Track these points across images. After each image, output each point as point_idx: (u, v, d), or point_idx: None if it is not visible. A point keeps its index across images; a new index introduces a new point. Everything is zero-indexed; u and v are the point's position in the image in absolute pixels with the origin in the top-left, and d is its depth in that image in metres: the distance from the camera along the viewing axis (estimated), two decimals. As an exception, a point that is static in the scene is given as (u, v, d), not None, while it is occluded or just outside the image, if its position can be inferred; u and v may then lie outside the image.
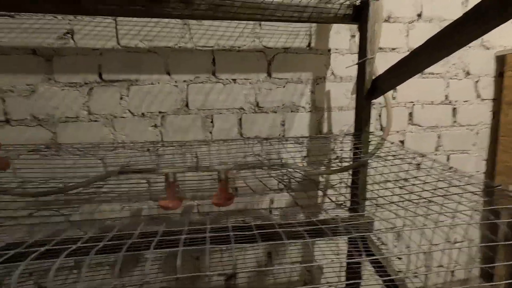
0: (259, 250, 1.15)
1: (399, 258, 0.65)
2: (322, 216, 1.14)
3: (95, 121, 0.98)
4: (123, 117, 0.99)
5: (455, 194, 0.57)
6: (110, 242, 0.65)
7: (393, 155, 0.83)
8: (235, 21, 0.99)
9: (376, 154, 0.86)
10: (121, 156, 0.98)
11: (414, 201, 0.65)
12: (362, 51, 0.90)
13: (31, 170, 0.91)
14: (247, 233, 0.69)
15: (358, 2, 0.90)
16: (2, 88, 0.90)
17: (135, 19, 0.93)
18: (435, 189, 0.69)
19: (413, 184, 0.68)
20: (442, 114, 1.20)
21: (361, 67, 0.90)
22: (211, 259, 1.09)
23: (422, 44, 0.67)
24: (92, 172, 0.95)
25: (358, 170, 0.93)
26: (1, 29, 0.87)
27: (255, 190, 1.10)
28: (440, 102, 1.19)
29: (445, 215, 0.60)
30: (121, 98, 0.98)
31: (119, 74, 0.96)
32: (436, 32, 0.61)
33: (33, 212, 0.89)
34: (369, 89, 0.88)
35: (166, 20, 0.96)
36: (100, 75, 0.95)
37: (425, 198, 0.64)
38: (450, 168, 0.67)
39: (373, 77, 0.88)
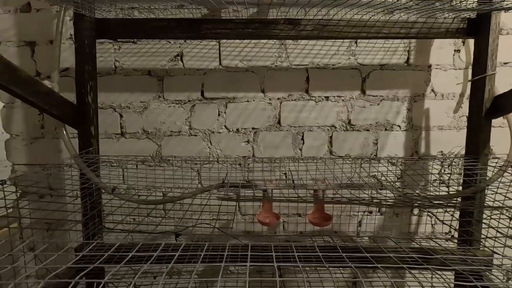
0: (345, 275, 1.10)
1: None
2: (418, 245, 1.04)
3: (195, 135, 1.04)
4: (219, 133, 1.04)
5: None
6: (208, 253, 0.67)
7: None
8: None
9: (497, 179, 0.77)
10: (215, 169, 1.02)
11: None
12: (479, 67, 0.82)
13: (139, 179, 1.00)
14: (335, 253, 0.65)
15: (473, 15, 0.84)
16: (121, 104, 1.02)
17: (237, 40, 0.99)
18: None
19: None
20: None
21: (478, 83, 0.82)
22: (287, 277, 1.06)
23: None
24: (192, 183, 1.00)
25: (471, 196, 0.84)
26: (125, 54, 0.99)
27: (344, 211, 1.05)
28: None
29: None
30: (218, 115, 1.03)
31: (219, 92, 1.02)
32: None
33: (143, 219, 0.97)
34: (489, 108, 0.80)
35: (265, 40, 1.00)
36: (202, 93, 1.02)
37: None
38: None
39: (494, 95, 0.80)
